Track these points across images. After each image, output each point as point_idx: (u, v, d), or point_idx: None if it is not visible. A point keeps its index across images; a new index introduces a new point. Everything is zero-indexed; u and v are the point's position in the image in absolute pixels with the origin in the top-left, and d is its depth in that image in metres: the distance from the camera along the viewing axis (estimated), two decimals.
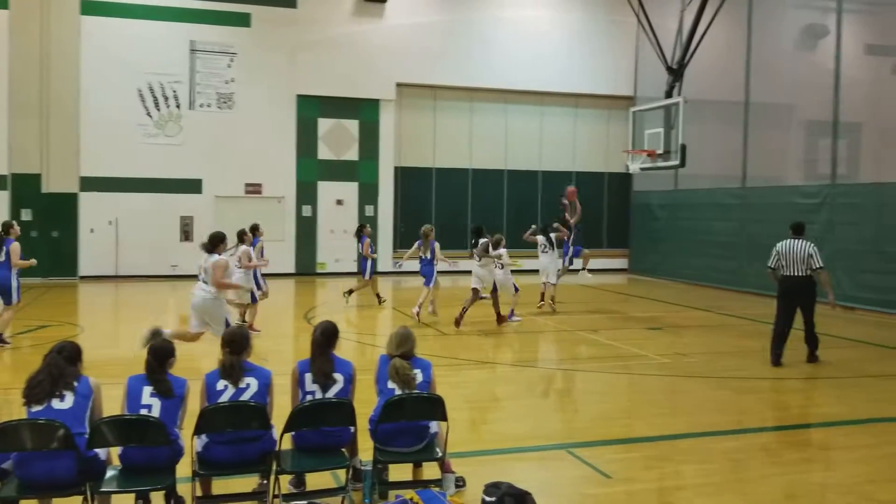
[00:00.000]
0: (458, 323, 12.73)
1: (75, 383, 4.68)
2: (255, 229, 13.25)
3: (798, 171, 17.96)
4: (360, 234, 15.90)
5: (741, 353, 11.17)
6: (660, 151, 15.40)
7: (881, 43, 16.19)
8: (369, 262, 15.46)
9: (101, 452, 4.68)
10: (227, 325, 9.25)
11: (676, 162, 15.01)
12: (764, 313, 15.25)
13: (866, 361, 10.52)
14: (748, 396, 8.70)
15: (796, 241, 10.18)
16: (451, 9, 22.90)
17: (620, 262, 24.36)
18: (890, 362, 10.57)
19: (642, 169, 16.31)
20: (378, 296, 15.94)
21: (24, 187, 19.82)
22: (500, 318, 13.25)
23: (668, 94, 15.63)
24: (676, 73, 15.63)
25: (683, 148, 14.74)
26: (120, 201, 20.47)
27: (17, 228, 11.26)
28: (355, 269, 17.98)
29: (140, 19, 20.60)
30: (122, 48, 20.39)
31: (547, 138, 24.49)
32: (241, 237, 12.56)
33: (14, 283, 10.79)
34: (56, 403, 4.56)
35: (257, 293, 12.52)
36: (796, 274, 10.06)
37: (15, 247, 10.77)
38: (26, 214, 19.81)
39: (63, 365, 4.69)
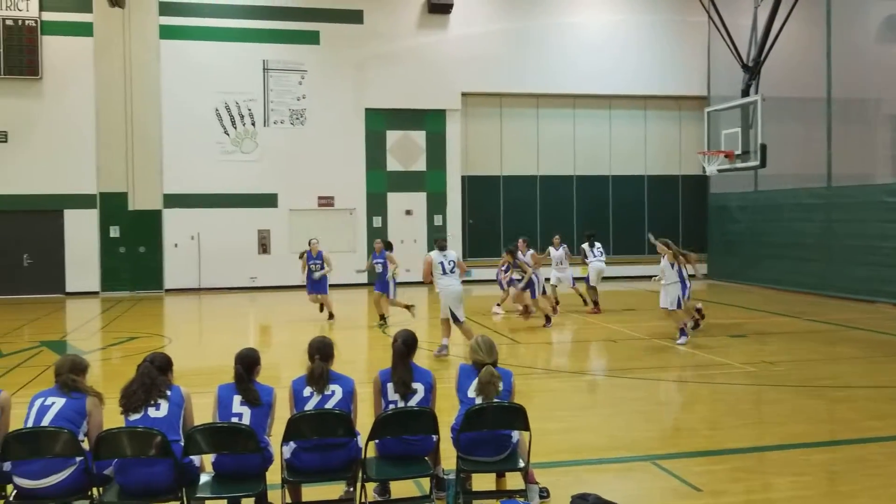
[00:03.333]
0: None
1: (168, 392, 4.83)
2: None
3: (887, 168, 17.16)
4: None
5: (833, 360, 10.73)
6: (738, 152, 15.01)
7: None
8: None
9: (194, 459, 4.80)
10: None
11: (756, 162, 14.61)
12: (854, 318, 14.69)
13: None
14: (843, 406, 8.32)
15: None
16: (514, 16, 22.86)
17: (698, 267, 23.76)
18: None
19: (720, 170, 15.89)
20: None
21: (112, 205, 20.76)
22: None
23: (745, 93, 15.24)
24: (752, 70, 15.23)
25: (763, 147, 14.34)
26: (201, 216, 21.17)
27: (379, 243, 15.13)
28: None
29: (215, 41, 21.29)
30: (199, 70, 21.10)
31: (616, 142, 24.16)
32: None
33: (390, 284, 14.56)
34: (152, 412, 4.71)
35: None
36: None
37: (390, 256, 14.75)
38: (114, 231, 20.79)
39: (155, 374, 4.84)
